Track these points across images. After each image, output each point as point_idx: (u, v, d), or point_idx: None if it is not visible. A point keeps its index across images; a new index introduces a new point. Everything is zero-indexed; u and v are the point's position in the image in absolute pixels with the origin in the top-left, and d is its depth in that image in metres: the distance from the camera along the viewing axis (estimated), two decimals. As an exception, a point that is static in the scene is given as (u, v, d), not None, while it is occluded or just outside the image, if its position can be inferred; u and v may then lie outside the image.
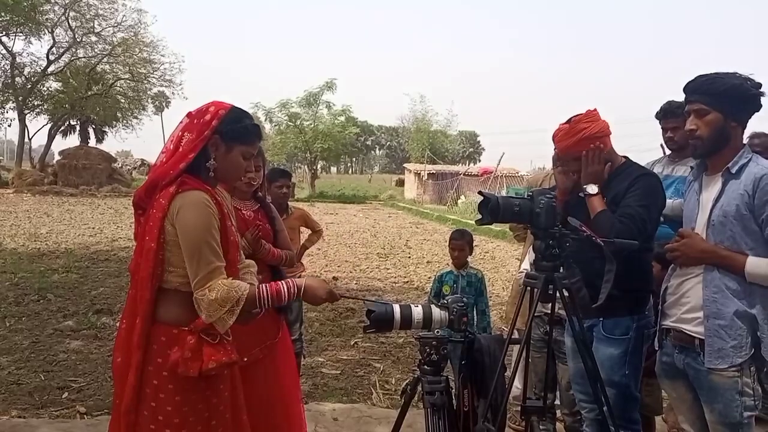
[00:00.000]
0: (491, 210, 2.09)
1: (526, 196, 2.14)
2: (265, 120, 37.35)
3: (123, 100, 36.44)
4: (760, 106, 2.27)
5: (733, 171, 2.25)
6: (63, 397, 4.23)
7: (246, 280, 2.13)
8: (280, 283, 2.09)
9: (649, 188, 2.65)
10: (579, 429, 3.19)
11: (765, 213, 2.17)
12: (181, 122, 2.12)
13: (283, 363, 2.92)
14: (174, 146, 2.08)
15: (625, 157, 2.81)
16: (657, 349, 2.53)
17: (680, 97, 3.71)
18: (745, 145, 2.31)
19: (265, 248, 2.98)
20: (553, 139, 2.83)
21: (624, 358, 2.60)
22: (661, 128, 3.83)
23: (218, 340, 2.04)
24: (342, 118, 36.96)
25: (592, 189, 2.65)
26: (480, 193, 2.21)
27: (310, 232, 4.68)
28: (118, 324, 5.89)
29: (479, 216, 2.16)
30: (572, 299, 2.13)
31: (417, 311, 2.35)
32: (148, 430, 2.00)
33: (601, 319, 2.62)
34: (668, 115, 3.78)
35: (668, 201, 3.48)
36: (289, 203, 4.34)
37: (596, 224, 2.54)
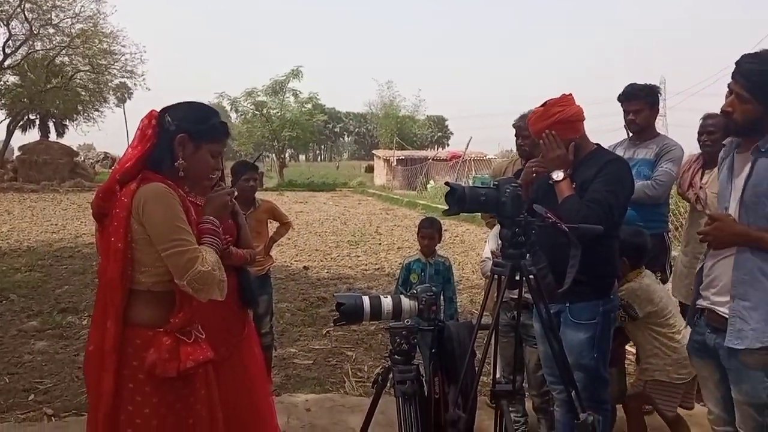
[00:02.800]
0: (458, 200, 2.10)
1: (492, 186, 2.15)
2: (231, 109, 36.90)
3: (83, 93, 35.48)
4: None
5: (763, 149, 2.22)
6: (29, 399, 4.13)
7: None
8: (203, 228, 2.11)
9: (618, 174, 2.68)
10: (547, 409, 3.26)
11: None
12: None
13: (251, 359, 2.90)
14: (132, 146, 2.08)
15: (597, 144, 2.84)
16: (690, 326, 2.53)
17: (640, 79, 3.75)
18: None
19: (231, 253, 2.95)
20: (528, 123, 2.84)
21: (592, 341, 2.64)
22: (623, 111, 3.89)
23: (193, 338, 2.04)
24: (309, 106, 36.70)
25: (558, 175, 2.67)
26: (447, 183, 2.22)
27: (278, 224, 4.63)
28: (85, 323, 5.84)
29: (446, 206, 2.16)
30: (538, 285, 2.15)
31: (387, 302, 2.37)
32: None
33: (568, 304, 2.66)
34: (630, 97, 3.84)
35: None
36: (257, 196, 4.29)
37: (563, 209, 2.56)
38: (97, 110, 37.51)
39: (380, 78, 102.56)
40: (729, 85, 2.27)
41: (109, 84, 37.33)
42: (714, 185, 3.60)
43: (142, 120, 2.08)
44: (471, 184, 2.19)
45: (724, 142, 2.51)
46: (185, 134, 2.05)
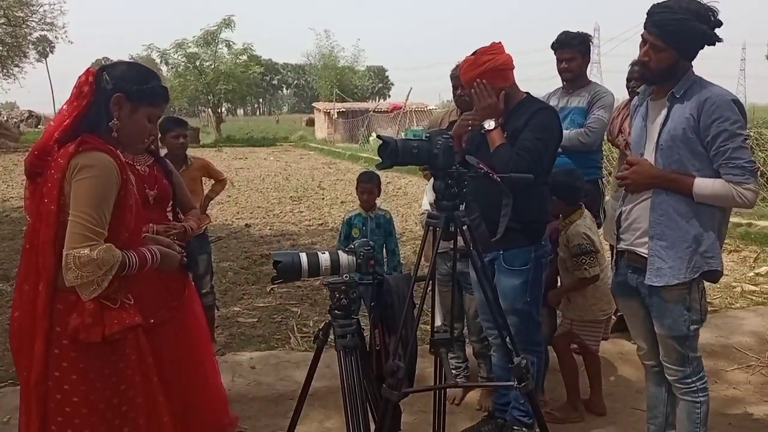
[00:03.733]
0: (390, 153, 2.09)
1: (424, 138, 2.15)
2: (161, 62, 35.34)
3: (1, 48, 33.31)
4: (720, 41, 2.27)
5: (678, 95, 2.30)
6: (-40, 371, 3.99)
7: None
8: (144, 249, 2.08)
9: (547, 122, 2.73)
10: (487, 354, 3.37)
11: (710, 135, 2.22)
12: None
13: (193, 321, 2.87)
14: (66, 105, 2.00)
15: (526, 93, 2.86)
16: (613, 269, 2.65)
17: (574, 27, 3.79)
18: (689, 69, 2.33)
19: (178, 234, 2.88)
20: (459, 72, 2.84)
21: (525, 286, 2.73)
22: (556, 59, 3.93)
23: (119, 304, 1.99)
24: (244, 57, 35.53)
25: (489, 124, 2.69)
26: (378, 137, 2.20)
27: (213, 181, 4.52)
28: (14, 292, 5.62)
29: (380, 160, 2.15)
30: (472, 235, 2.19)
31: (324, 258, 2.36)
32: (54, 401, 1.95)
33: (501, 251, 2.73)
34: (563, 45, 3.87)
35: (564, 132, 3.62)
36: (189, 153, 4.15)
37: (495, 158, 2.60)
38: (17, 66, 35.34)
39: (317, 27, 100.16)
40: (642, 35, 2.34)
41: (28, 38, 35.15)
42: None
43: (79, 77, 2.00)
44: (404, 137, 2.17)
45: (637, 90, 2.59)
46: (122, 94, 1.99)
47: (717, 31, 2.27)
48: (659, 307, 2.40)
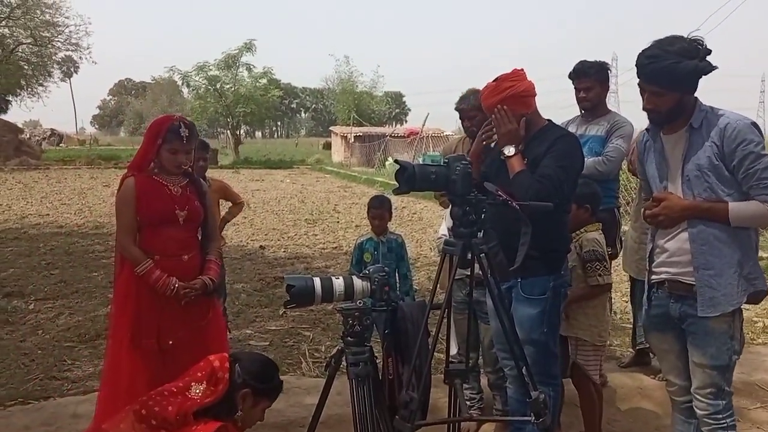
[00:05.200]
0: (407, 179, 2.07)
1: (442, 164, 2.13)
2: (182, 84, 35.97)
3: (26, 67, 34.06)
4: (715, 68, 2.31)
5: (696, 125, 2.34)
6: (-29, 388, 3.98)
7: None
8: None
9: (568, 149, 2.70)
10: (502, 385, 3.30)
11: (735, 159, 2.26)
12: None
13: (214, 343, 2.89)
14: None
15: (548, 120, 2.84)
16: (646, 302, 2.60)
17: (591, 56, 3.79)
18: (697, 100, 2.38)
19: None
20: (480, 98, 2.83)
21: (542, 317, 2.67)
22: (574, 88, 3.92)
23: None
24: (264, 81, 36.01)
25: (509, 150, 2.66)
26: (396, 162, 2.19)
27: (230, 204, 4.54)
28: (31, 307, 5.66)
29: (396, 185, 2.14)
30: (490, 264, 2.15)
31: (338, 283, 2.34)
32: None
33: (520, 279, 2.68)
34: (581, 75, 3.86)
35: (583, 160, 3.58)
36: (208, 175, 4.18)
37: (515, 184, 2.57)
38: (41, 85, 36.18)
39: (337, 53, 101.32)
40: (639, 85, 2.37)
41: (53, 57, 35.98)
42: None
43: (212, 361, 2.18)
44: (421, 162, 2.15)
45: (644, 130, 2.60)
46: (249, 390, 2.17)
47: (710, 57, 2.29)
48: (704, 337, 2.37)
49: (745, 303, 2.38)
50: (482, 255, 2.14)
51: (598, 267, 3.15)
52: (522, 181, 2.59)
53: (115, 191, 3.00)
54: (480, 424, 3.43)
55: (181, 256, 2.86)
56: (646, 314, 2.62)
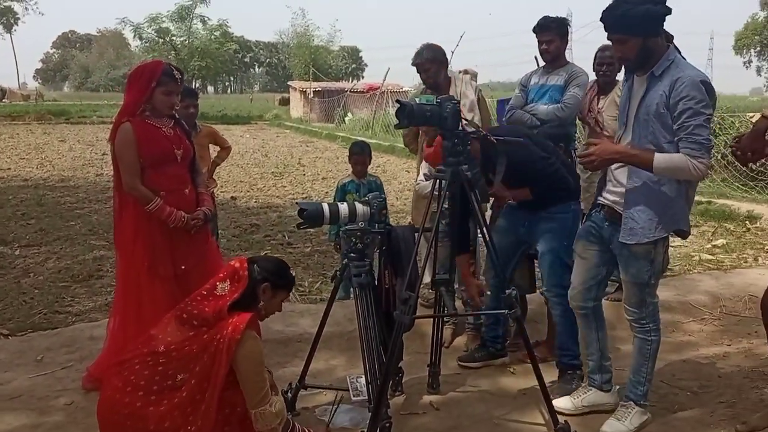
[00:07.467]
0: (407, 114, 2.45)
1: (435, 103, 2.51)
2: (134, 37, 34.93)
3: (-36, 17, 32.40)
4: (669, 12, 2.55)
5: (657, 74, 2.57)
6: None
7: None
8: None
9: None
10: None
11: (677, 111, 2.49)
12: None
13: (215, 265, 3.23)
14: None
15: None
16: (587, 217, 2.99)
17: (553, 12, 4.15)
18: (669, 48, 2.59)
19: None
20: None
21: (564, 230, 3.10)
22: (537, 41, 4.30)
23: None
24: (218, 34, 35.26)
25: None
26: (397, 101, 2.56)
27: (219, 148, 4.84)
28: (17, 253, 5.85)
29: (396, 121, 2.51)
30: (472, 186, 2.56)
31: (343, 207, 2.73)
32: None
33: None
34: (543, 29, 4.23)
35: (543, 107, 4.03)
36: (197, 121, 4.45)
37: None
38: (-20, 37, 34.43)
39: (293, 5, 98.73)
40: (608, 38, 2.66)
41: (-5, 8, 34.23)
42: (610, 109, 4.12)
43: (233, 264, 2.53)
44: (418, 102, 2.53)
45: (608, 73, 2.94)
46: (268, 284, 2.51)
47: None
48: (627, 258, 2.76)
49: (665, 239, 2.73)
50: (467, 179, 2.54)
51: None
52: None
53: (83, 144, 3.30)
54: (454, 336, 3.91)
55: (182, 190, 3.18)
56: (584, 224, 3.04)
